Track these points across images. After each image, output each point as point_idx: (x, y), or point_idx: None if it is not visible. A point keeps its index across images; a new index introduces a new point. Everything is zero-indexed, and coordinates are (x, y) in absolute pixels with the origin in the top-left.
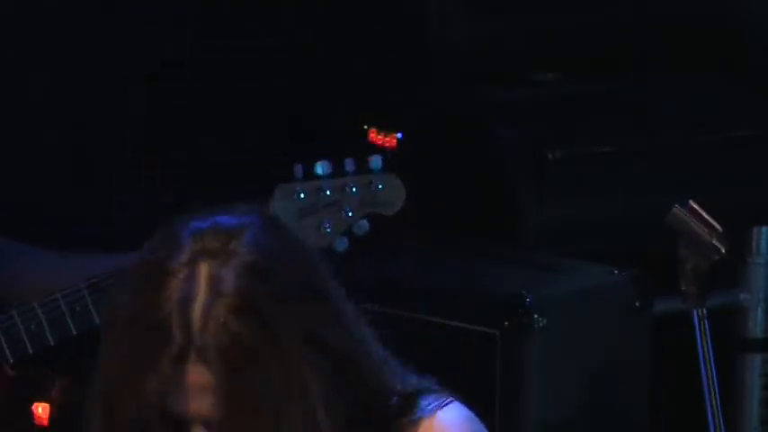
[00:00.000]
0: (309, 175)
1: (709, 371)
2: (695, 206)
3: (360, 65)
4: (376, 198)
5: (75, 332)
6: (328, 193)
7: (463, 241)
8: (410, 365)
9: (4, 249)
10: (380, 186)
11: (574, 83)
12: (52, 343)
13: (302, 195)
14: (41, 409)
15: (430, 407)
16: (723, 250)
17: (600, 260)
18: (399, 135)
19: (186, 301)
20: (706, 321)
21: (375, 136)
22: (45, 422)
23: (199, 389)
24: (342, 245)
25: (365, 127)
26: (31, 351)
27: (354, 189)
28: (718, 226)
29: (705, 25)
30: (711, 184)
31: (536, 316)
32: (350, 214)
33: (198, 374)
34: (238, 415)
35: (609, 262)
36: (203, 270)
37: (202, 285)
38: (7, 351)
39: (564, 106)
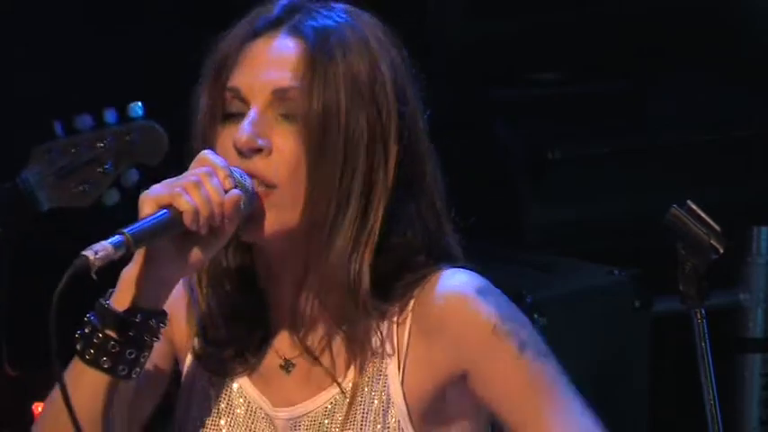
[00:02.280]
0: (70, 129)
1: (707, 371)
2: (693, 206)
3: None
4: (133, 149)
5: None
6: (82, 150)
7: (463, 241)
8: None
9: None
10: (137, 136)
11: (574, 83)
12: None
13: (55, 156)
14: (41, 409)
15: (440, 268)
16: (721, 250)
17: (600, 260)
18: None
19: None
20: (704, 321)
21: None
22: None
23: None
24: (112, 199)
25: None
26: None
27: (110, 141)
28: (716, 226)
29: (704, 25)
30: (711, 183)
31: (536, 316)
32: (109, 168)
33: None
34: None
35: (609, 262)
36: None
37: None
38: None
39: (564, 106)
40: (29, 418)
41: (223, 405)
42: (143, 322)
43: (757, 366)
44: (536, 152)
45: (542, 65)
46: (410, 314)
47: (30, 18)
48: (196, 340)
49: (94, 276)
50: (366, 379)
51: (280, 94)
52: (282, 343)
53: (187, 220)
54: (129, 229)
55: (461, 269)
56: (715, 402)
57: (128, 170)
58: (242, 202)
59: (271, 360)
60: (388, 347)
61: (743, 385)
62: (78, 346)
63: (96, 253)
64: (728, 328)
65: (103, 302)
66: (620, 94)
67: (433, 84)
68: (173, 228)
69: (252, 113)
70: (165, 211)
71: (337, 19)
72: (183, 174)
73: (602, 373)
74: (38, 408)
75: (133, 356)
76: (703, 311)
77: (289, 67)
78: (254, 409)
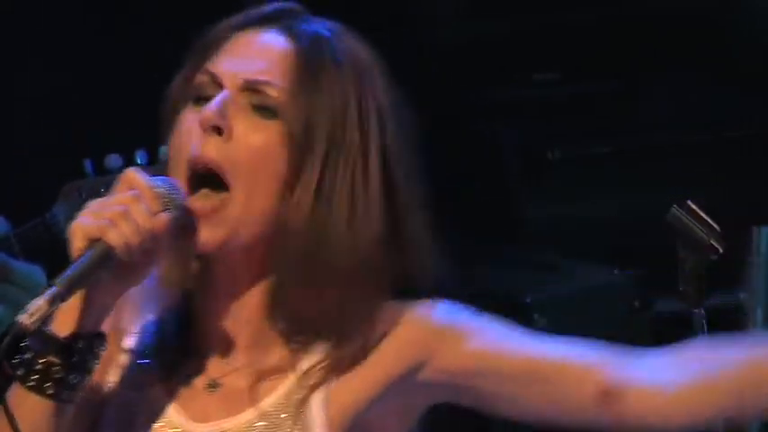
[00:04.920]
0: (100, 169)
1: None
2: (693, 206)
3: None
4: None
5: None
6: (111, 189)
7: (463, 241)
8: None
9: None
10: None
11: (574, 83)
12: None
13: (83, 195)
14: None
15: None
16: (721, 250)
17: (600, 260)
18: None
19: None
20: (704, 321)
21: None
22: None
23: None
24: None
25: None
26: None
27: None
28: (716, 226)
29: (698, 26)
30: (711, 183)
31: (536, 316)
32: None
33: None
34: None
35: (609, 262)
36: None
37: None
38: None
39: (564, 106)
40: None
41: (142, 420)
42: (86, 347)
43: None
44: (536, 152)
45: (534, 66)
46: (360, 343)
47: (72, 60)
48: (122, 354)
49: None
50: (290, 404)
51: (253, 85)
52: (211, 361)
53: (119, 253)
54: (61, 278)
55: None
56: None
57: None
58: (172, 223)
59: (197, 377)
60: (320, 375)
61: None
62: (19, 372)
63: (31, 315)
64: (728, 328)
65: (44, 329)
66: (617, 95)
67: (433, 84)
68: (105, 263)
69: (222, 94)
70: (93, 249)
71: (331, 30)
72: (110, 195)
73: None
74: None
75: (76, 381)
76: (703, 311)
77: (271, 61)
78: (174, 426)
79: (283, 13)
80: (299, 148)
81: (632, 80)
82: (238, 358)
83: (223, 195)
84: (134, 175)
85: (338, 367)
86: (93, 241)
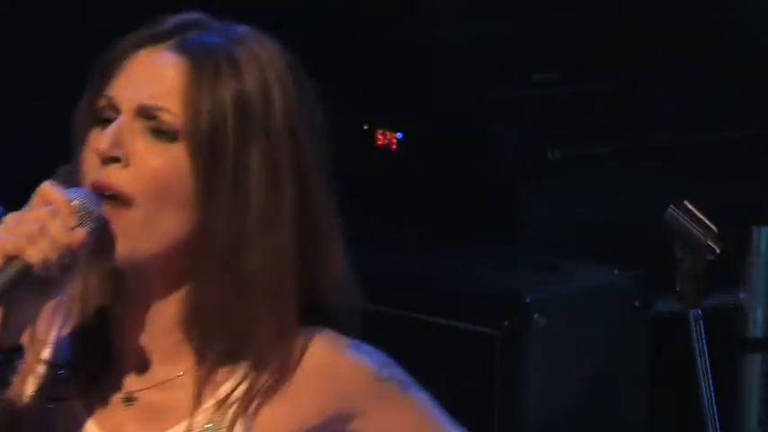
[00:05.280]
0: None
1: (704, 371)
2: (690, 207)
3: (360, 64)
4: None
5: None
6: None
7: (463, 241)
8: (409, 366)
9: None
10: None
11: (574, 83)
12: None
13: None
14: None
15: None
16: (718, 251)
17: (600, 260)
18: (399, 135)
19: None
20: (701, 322)
21: (381, 136)
22: None
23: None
24: None
25: (365, 127)
26: None
27: None
28: (713, 226)
29: (698, 26)
30: (711, 183)
31: (536, 316)
32: None
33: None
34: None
35: (609, 262)
36: None
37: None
38: None
39: (564, 106)
40: None
41: None
42: (4, 361)
43: (757, 366)
44: (536, 152)
45: (534, 66)
46: (277, 367)
47: (72, 60)
48: (39, 366)
49: None
50: (210, 426)
51: (148, 111)
52: (128, 375)
53: (38, 270)
54: None
55: (327, 328)
56: (712, 402)
57: None
58: (89, 236)
59: (113, 391)
60: (240, 399)
61: (743, 385)
62: None
63: None
64: (728, 328)
65: None
66: (617, 95)
67: (434, 84)
68: (24, 280)
69: (117, 122)
70: (11, 266)
71: (231, 38)
72: (26, 210)
73: (602, 373)
74: None
75: None
76: (700, 311)
77: (165, 83)
78: None
79: (180, 28)
80: (204, 165)
81: (632, 80)
82: (155, 372)
83: (132, 213)
84: (50, 189)
85: (258, 393)
86: (11, 258)
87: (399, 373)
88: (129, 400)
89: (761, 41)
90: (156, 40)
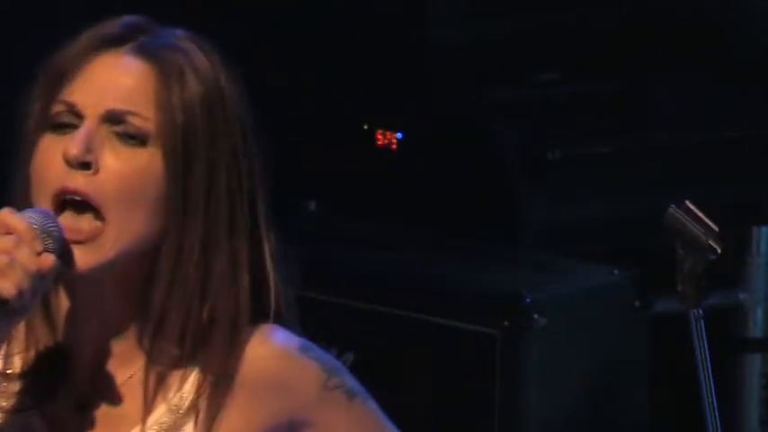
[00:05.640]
0: None
1: (705, 371)
2: (691, 206)
3: (360, 64)
4: None
5: None
6: None
7: (463, 241)
8: (409, 365)
9: None
10: None
11: (574, 83)
12: None
13: None
14: None
15: (260, 326)
16: (719, 250)
17: (600, 260)
18: (399, 135)
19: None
20: (702, 322)
21: (381, 136)
22: None
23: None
24: None
25: (365, 127)
26: None
27: None
28: (714, 226)
29: (698, 26)
30: (711, 183)
31: (536, 316)
32: None
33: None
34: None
35: (609, 262)
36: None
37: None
38: None
39: (564, 106)
40: None
41: None
42: None
43: (757, 366)
44: (536, 152)
45: (534, 66)
46: (229, 373)
47: None
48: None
49: None
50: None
51: (116, 115)
52: (81, 383)
53: (12, 302)
54: None
55: (278, 327)
56: (713, 402)
57: None
58: (56, 257)
59: (68, 400)
60: (192, 404)
61: (743, 385)
62: None
63: None
64: (728, 328)
65: None
66: (618, 95)
67: (434, 84)
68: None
69: (86, 127)
70: None
71: (184, 42)
72: None
73: (602, 373)
74: None
75: None
76: (701, 311)
77: (132, 86)
78: None
79: (132, 32)
80: (178, 167)
81: (632, 80)
82: (108, 379)
83: (97, 224)
84: (9, 216)
85: (210, 399)
86: None
87: (348, 380)
88: (83, 408)
89: (761, 41)
90: (110, 44)
